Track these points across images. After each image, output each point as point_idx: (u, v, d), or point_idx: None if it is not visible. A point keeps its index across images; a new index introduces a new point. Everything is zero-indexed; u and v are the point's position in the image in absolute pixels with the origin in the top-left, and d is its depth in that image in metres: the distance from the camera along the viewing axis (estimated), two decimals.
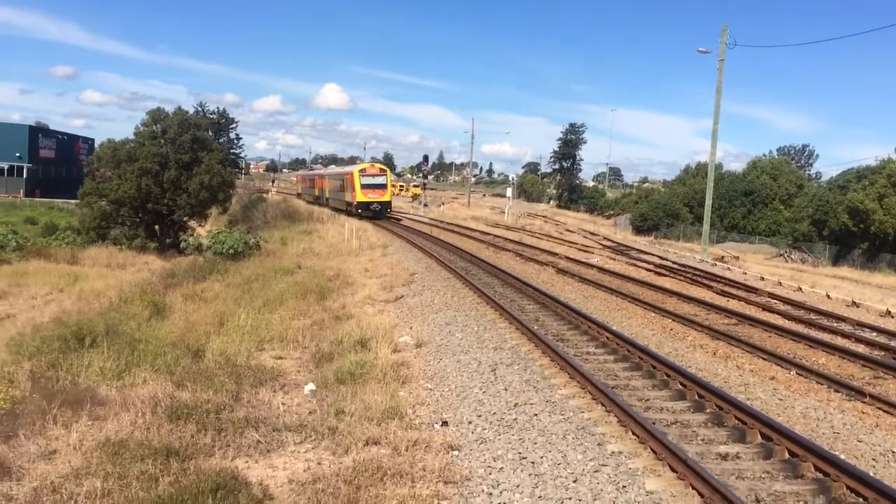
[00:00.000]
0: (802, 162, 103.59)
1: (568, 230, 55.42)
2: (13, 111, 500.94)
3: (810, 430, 9.26)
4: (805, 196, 68.35)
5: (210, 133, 61.29)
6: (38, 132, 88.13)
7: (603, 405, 9.54)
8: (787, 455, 7.98)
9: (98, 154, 45.64)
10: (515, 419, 9.22)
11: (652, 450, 8.00)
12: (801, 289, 23.95)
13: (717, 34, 38.55)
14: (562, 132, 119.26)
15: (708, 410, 9.54)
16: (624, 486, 7.16)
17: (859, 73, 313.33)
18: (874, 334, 15.89)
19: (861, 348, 14.32)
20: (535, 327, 14.26)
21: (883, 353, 14.08)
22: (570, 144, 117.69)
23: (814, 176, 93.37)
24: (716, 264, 33.53)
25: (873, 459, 8.43)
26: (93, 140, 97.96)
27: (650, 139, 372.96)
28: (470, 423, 9.20)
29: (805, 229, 63.07)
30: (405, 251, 29.87)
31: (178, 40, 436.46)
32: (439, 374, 11.62)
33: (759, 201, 69.76)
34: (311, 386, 10.80)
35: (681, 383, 10.52)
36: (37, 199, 74.39)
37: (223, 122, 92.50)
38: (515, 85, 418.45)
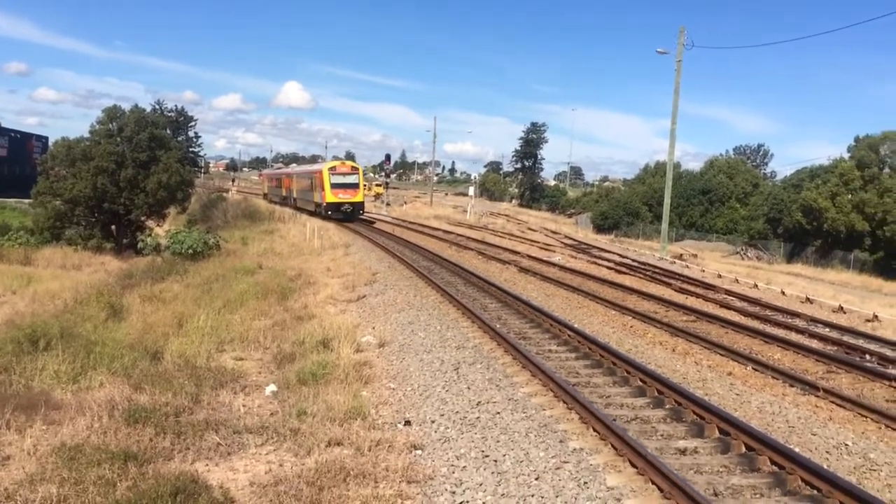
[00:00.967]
0: (758, 161, 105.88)
1: (530, 229, 55.78)
2: None
3: (766, 424, 9.46)
4: (760, 195, 69.84)
5: (168, 131, 60.34)
6: None
7: (565, 402, 9.62)
8: (743, 449, 8.14)
9: (52, 152, 44.56)
10: (478, 418, 9.25)
11: (613, 446, 8.09)
12: (756, 286, 24.45)
13: (675, 35, 39.09)
14: (523, 131, 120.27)
15: (667, 406, 9.67)
16: (585, 483, 7.23)
17: (813, 75, 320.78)
18: (827, 330, 16.29)
19: (815, 344, 14.66)
20: (498, 326, 14.32)
21: (836, 348, 14.45)
22: (531, 144, 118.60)
23: (769, 175, 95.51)
24: (674, 262, 34.04)
25: (827, 452, 8.64)
26: (47, 138, 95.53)
27: (610, 139, 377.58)
28: (433, 422, 9.21)
29: (760, 227, 64.47)
30: (367, 250, 29.77)
31: (136, 37, 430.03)
32: (402, 373, 11.60)
33: (716, 200, 71.07)
34: (272, 387, 10.69)
35: (641, 380, 10.66)
36: None
37: (182, 121, 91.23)
38: (478, 84, 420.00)
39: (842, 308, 19.63)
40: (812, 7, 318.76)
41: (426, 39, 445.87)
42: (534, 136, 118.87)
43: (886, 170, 56.51)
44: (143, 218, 43.52)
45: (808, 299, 21.24)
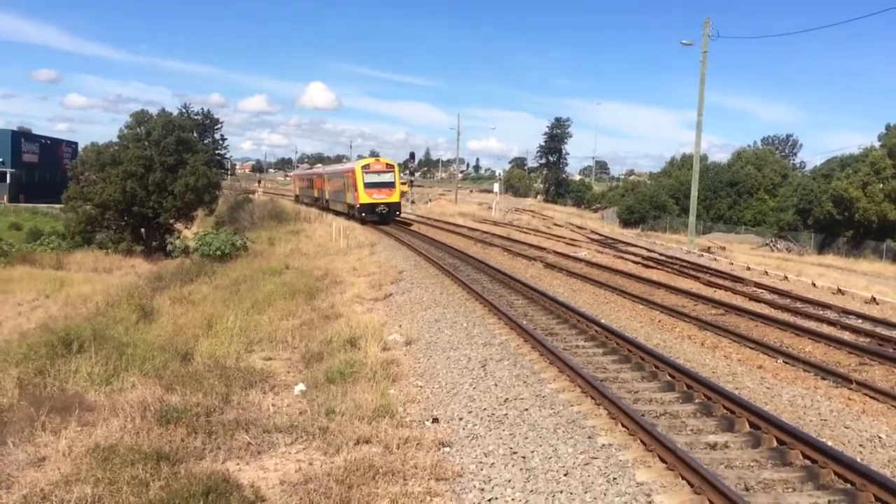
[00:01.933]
0: (786, 151, 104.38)
1: (555, 224, 55.52)
2: None
3: (798, 417, 9.34)
4: (789, 185, 68.78)
5: (195, 134, 61.02)
6: (20, 137, 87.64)
7: (592, 398, 9.58)
8: (775, 443, 8.04)
9: (82, 158, 45.42)
10: (506, 414, 9.25)
11: (642, 441, 8.04)
12: (786, 278, 24.12)
13: (700, 26, 38.69)
14: (547, 127, 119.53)
15: (696, 401, 9.60)
16: (615, 478, 7.20)
17: (842, 63, 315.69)
18: (859, 321, 16.03)
19: (847, 335, 14.44)
20: (524, 322, 14.29)
21: (868, 339, 14.22)
22: (555, 139, 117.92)
23: (798, 165, 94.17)
24: (702, 255, 33.70)
25: (860, 445, 8.52)
26: (76, 144, 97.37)
27: (636, 132, 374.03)
28: (461, 419, 9.22)
29: (790, 218, 63.49)
30: (393, 249, 29.85)
31: (160, 41, 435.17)
32: (429, 371, 11.63)
33: (744, 191, 70.16)
34: (301, 386, 10.78)
35: (669, 374, 10.58)
36: (20, 205, 73.89)
37: (208, 123, 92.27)
38: (500, 80, 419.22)
39: (874, 299, 19.30)
40: None
41: (447, 37, 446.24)
42: (558, 131, 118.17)
43: None
44: (171, 220, 44.14)
45: (839, 290, 20.92)
